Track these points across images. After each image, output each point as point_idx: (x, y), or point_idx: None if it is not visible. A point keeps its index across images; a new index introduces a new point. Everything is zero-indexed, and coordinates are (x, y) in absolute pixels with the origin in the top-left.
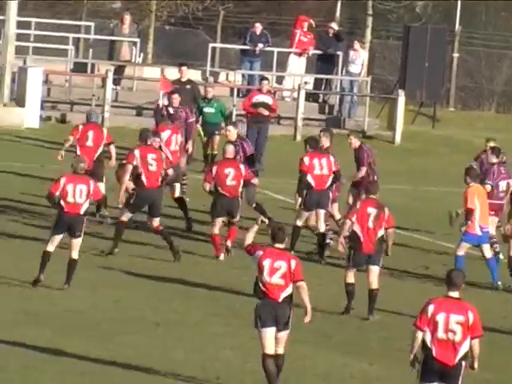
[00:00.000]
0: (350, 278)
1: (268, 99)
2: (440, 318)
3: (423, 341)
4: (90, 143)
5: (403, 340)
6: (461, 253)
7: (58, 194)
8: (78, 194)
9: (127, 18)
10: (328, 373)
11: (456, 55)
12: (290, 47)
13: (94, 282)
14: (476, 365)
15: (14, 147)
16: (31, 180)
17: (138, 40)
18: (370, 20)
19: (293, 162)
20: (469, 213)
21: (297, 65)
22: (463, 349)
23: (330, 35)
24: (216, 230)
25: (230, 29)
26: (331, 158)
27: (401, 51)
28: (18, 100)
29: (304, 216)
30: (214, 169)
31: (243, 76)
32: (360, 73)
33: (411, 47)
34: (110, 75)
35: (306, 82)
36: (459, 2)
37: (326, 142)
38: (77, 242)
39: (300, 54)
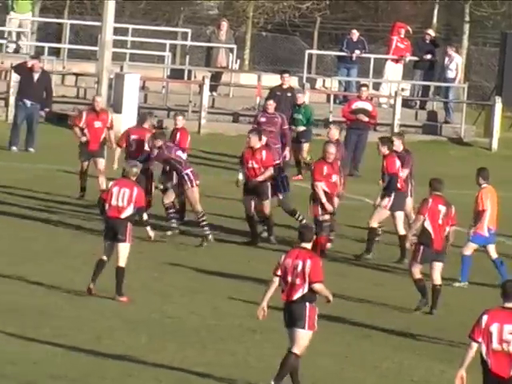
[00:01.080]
0: (418, 273)
1: (367, 106)
2: (494, 328)
3: (480, 354)
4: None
5: None
6: (468, 253)
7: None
8: (121, 198)
9: (224, 24)
10: (426, 380)
11: None
12: (386, 54)
13: (192, 289)
14: None
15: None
16: None
17: (234, 46)
18: (466, 27)
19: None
20: (480, 214)
21: (393, 71)
22: None
23: (427, 41)
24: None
25: (326, 35)
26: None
27: (498, 58)
28: (115, 106)
29: (384, 217)
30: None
31: (340, 83)
32: (455, 78)
33: (508, 54)
34: (207, 82)
35: (402, 89)
36: None
37: (399, 145)
38: (122, 249)
39: (397, 61)
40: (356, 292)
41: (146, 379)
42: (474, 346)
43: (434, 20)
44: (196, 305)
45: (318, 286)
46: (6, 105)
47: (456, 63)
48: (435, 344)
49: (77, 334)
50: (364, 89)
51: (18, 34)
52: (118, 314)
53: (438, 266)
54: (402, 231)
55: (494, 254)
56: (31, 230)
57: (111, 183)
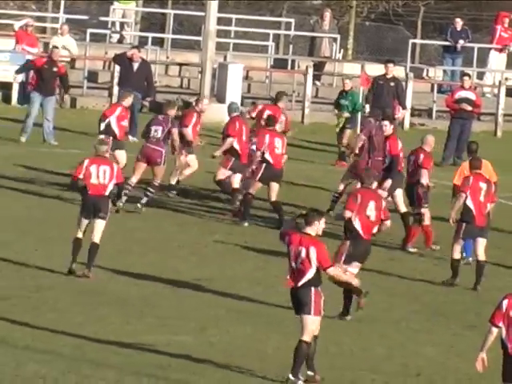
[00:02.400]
0: (458, 253)
1: (471, 95)
2: None
3: (501, 339)
4: (244, 138)
5: None
6: None
7: (81, 176)
8: (102, 175)
9: (327, 14)
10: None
11: None
12: (490, 43)
13: None
14: None
15: (215, 143)
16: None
17: (338, 36)
18: None
19: (494, 159)
20: None
21: (497, 61)
22: None
23: None
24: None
25: (430, 25)
26: None
27: None
28: (219, 96)
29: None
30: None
31: (445, 72)
32: None
33: None
34: (310, 71)
35: (506, 78)
36: None
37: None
38: (101, 224)
39: (500, 50)
40: (462, 282)
41: (251, 368)
42: (494, 330)
43: None
44: None
45: (331, 271)
46: (110, 95)
47: None
48: None
49: (181, 324)
50: (466, 78)
51: (122, 25)
52: (222, 303)
53: (482, 242)
54: (403, 209)
55: None
56: (136, 220)
57: (86, 161)
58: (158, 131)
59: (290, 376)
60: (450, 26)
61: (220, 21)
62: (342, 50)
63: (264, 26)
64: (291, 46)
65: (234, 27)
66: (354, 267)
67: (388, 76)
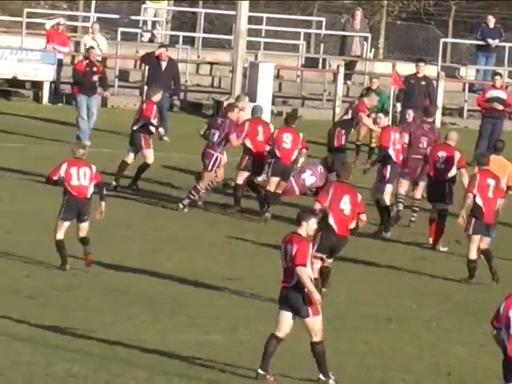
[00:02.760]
0: (474, 253)
1: (502, 94)
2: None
3: (502, 340)
4: (260, 138)
5: None
6: None
7: (56, 178)
8: (83, 177)
9: (359, 13)
10: None
11: None
12: None
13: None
14: None
15: None
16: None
17: (369, 35)
18: None
19: None
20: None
21: None
22: None
23: None
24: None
25: (461, 24)
26: None
27: None
28: (250, 95)
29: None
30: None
31: (478, 71)
32: None
33: None
34: (341, 70)
35: None
36: None
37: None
38: (86, 225)
39: None
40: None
41: (282, 367)
42: (495, 332)
43: None
44: (330, 293)
45: (298, 269)
46: (141, 93)
47: None
48: None
49: (211, 323)
50: (497, 77)
51: (153, 24)
52: (252, 302)
53: (485, 240)
54: (387, 202)
55: None
56: (164, 219)
57: (64, 165)
58: (215, 135)
59: (321, 376)
60: (481, 25)
61: (251, 20)
62: (372, 49)
63: (295, 24)
64: (322, 45)
65: (265, 26)
66: (329, 259)
67: (419, 75)
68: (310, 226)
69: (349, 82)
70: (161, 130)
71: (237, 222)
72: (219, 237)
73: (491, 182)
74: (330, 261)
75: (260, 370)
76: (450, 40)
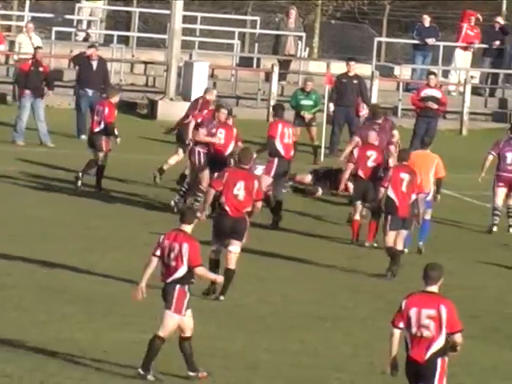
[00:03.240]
0: (390, 242)
1: (437, 93)
2: (412, 313)
3: (405, 339)
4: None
5: None
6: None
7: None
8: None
9: (293, 12)
10: (495, 367)
11: None
12: (456, 41)
13: (260, 277)
14: (458, 348)
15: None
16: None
17: (303, 34)
18: None
19: (459, 157)
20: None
21: (463, 59)
22: (436, 345)
23: (496, 29)
24: (357, 215)
25: (395, 23)
26: None
27: None
28: (184, 94)
29: None
30: (355, 151)
31: (415, 70)
32: None
33: None
34: (276, 70)
35: (472, 76)
36: None
37: None
38: None
39: (466, 48)
40: None
41: (215, 367)
42: (396, 332)
43: (504, 7)
44: (264, 292)
45: (198, 270)
46: (75, 93)
47: None
48: None
49: (146, 322)
50: (432, 77)
51: (88, 23)
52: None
53: (402, 234)
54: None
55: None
56: (97, 219)
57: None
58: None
59: (140, 370)
60: (417, 24)
61: (185, 19)
62: (307, 49)
63: (229, 24)
64: (256, 45)
65: (200, 25)
66: (235, 245)
67: (350, 74)
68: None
69: (283, 81)
70: (118, 140)
71: (172, 222)
72: (154, 236)
73: (405, 176)
74: (234, 250)
75: (140, 370)
76: (384, 39)
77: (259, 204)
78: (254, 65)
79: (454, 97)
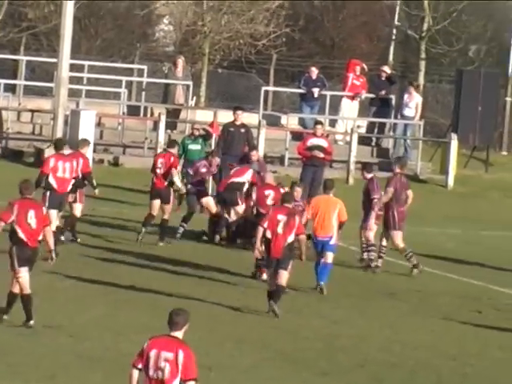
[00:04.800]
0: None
1: (323, 142)
2: (152, 355)
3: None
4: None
5: None
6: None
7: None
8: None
9: (180, 61)
10: None
11: (509, 99)
12: (342, 91)
13: (147, 326)
14: None
15: None
16: (81, 224)
17: (190, 83)
18: (422, 64)
19: (345, 206)
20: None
21: (349, 108)
22: None
23: (383, 79)
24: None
25: (282, 72)
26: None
27: (453, 95)
28: (71, 143)
29: None
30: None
31: (302, 120)
32: (414, 116)
33: (464, 91)
34: (163, 118)
35: (358, 126)
36: None
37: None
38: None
39: (353, 98)
40: (313, 329)
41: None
42: (135, 372)
43: (390, 57)
44: None
45: None
46: None
47: (416, 102)
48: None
49: (33, 371)
50: (319, 126)
51: None
52: (73, 350)
53: (280, 274)
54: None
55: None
56: None
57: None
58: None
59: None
60: (303, 75)
61: (72, 67)
62: (194, 97)
63: (116, 72)
64: (144, 93)
65: (87, 74)
66: (25, 272)
67: (237, 123)
68: None
69: (172, 130)
70: (97, 191)
71: (56, 268)
72: (39, 284)
73: (282, 217)
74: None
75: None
76: (271, 88)
77: (48, 228)
78: (142, 113)
79: (340, 146)
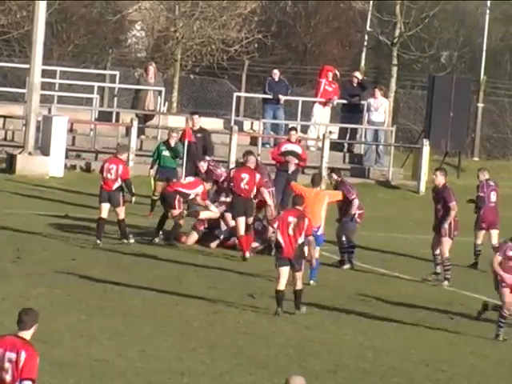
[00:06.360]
0: (282, 285)
1: (297, 148)
2: None
3: None
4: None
5: None
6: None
7: None
8: None
9: (151, 68)
10: None
11: (481, 105)
12: (314, 96)
13: (119, 332)
14: None
15: (38, 196)
16: (54, 230)
17: (162, 89)
18: (394, 70)
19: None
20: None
21: (321, 114)
22: None
23: (355, 84)
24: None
25: (254, 78)
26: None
27: (426, 101)
28: (43, 149)
29: None
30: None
31: (265, 125)
32: (384, 121)
33: (436, 97)
34: (135, 124)
35: (330, 132)
36: (484, 53)
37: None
38: None
39: (325, 104)
40: (286, 336)
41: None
42: None
43: (362, 63)
44: (123, 348)
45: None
46: None
47: (384, 107)
48: None
49: None
50: (293, 132)
51: None
52: (45, 356)
53: (295, 274)
54: None
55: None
56: None
57: None
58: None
59: None
60: (267, 78)
61: (44, 73)
62: (166, 103)
63: (88, 78)
64: (116, 99)
65: (59, 80)
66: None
67: (195, 128)
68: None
69: (143, 136)
70: (133, 198)
71: (29, 276)
72: (12, 291)
73: (293, 220)
74: None
75: None
76: (243, 94)
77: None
78: (113, 119)
79: (312, 152)
